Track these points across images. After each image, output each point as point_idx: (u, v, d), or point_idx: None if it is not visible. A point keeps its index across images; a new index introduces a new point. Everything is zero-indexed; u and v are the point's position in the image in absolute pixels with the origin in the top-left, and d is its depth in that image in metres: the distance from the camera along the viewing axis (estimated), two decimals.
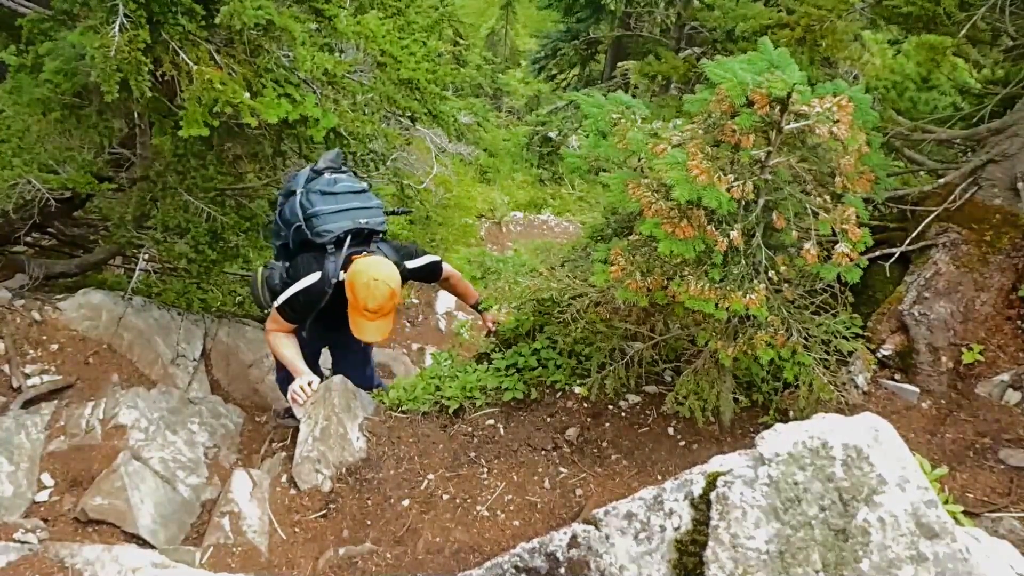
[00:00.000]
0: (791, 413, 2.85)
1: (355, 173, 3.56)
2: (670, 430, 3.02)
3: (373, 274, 2.96)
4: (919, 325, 3.01)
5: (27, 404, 3.46)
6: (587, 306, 2.81)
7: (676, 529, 1.40)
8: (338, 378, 3.14)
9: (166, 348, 4.28)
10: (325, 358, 3.79)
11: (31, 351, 3.78)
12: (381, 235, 3.25)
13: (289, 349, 3.20)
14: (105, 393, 3.63)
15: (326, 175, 3.32)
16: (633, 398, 3.16)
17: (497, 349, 3.44)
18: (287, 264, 3.16)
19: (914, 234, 3.24)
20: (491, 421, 3.11)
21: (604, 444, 2.98)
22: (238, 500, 2.78)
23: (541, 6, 17.76)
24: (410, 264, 3.30)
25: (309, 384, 3.07)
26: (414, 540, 2.61)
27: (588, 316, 2.83)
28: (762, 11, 4.48)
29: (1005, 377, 2.92)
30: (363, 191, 3.33)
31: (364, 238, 3.18)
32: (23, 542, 2.50)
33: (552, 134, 16.52)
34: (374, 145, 4.58)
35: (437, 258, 3.45)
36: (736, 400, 2.94)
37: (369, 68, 4.22)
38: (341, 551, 2.59)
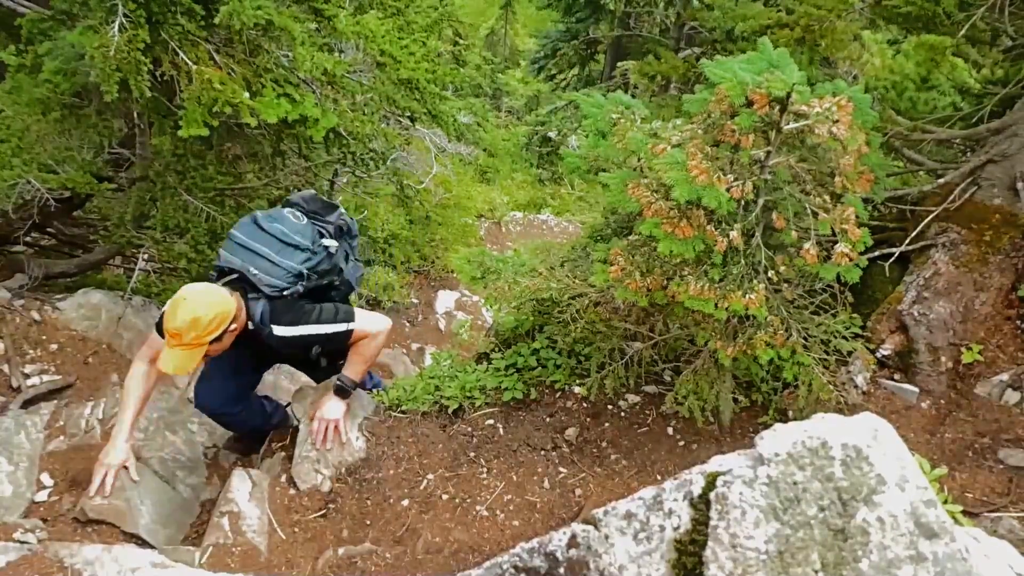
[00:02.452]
0: (790, 413, 2.85)
1: (323, 230, 3.05)
2: (669, 430, 3.02)
3: (186, 294, 2.62)
4: (919, 325, 3.01)
5: (27, 404, 3.46)
6: (587, 306, 2.81)
7: (675, 529, 1.40)
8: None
9: None
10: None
11: (31, 351, 3.77)
12: (277, 291, 2.75)
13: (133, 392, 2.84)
14: (105, 393, 3.63)
15: (284, 211, 2.96)
16: (632, 398, 3.16)
17: (497, 349, 3.44)
18: None
19: (913, 234, 3.24)
20: (490, 421, 3.11)
21: (603, 444, 2.98)
22: (237, 500, 2.77)
23: (541, 6, 17.77)
24: (279, 330, 2.74)
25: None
26: (413, 540, 2.60)
27: (588, 316, 2.83)
28: (762, 11, 4.47)
29: (1004, 377, 2.92)
30: (295, 245, 2.82)
31: (247, 285, 2.75)
32: (22, 542, 2.48)
33: (552, 134, 16.53)
34: (374, 145, 4.58)
35: (345, 327, 2.84)
36: (735, 400, 2.94)
37: (369, 68, 4.22)
38: (340, 551, 2.59)
